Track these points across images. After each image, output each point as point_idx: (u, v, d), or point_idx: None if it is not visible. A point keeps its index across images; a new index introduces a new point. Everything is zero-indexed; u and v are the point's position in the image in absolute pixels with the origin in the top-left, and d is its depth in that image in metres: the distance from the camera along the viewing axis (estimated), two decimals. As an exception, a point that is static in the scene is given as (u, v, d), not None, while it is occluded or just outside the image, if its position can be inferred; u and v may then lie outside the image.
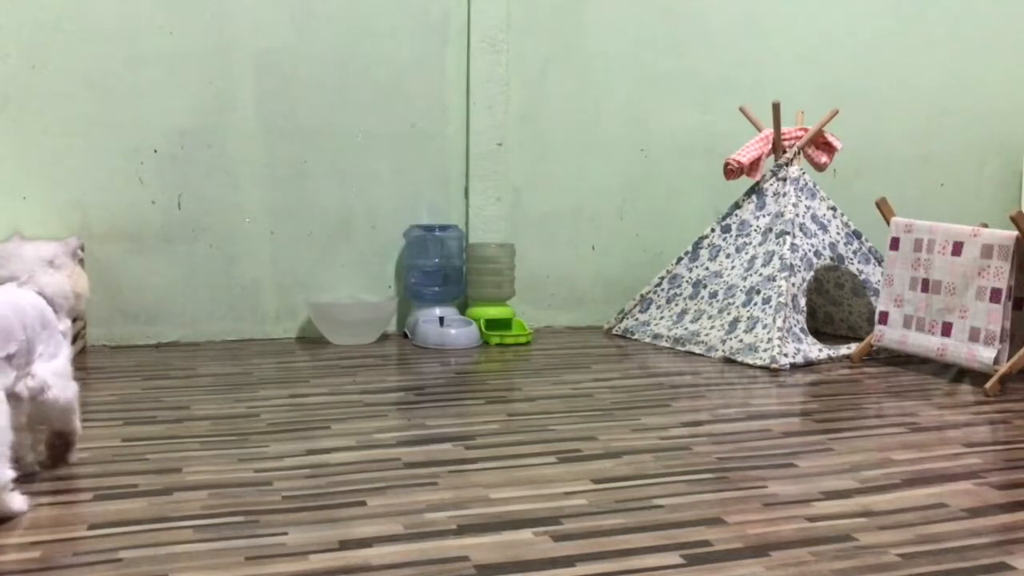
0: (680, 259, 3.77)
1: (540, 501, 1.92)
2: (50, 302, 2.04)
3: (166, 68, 3.48)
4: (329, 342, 3.62)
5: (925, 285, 3.13)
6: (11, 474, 1.78)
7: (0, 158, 3.36)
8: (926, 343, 3.13)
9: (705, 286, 3.63)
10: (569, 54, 3.94)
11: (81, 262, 2.21)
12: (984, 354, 2.93)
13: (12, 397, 1.85)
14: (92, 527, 1.75)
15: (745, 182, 3.67)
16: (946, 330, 3.06)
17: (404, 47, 3.74)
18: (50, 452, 2.09)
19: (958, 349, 3.01)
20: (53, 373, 1.97)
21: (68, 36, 3.38)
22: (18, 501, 1.82)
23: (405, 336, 3.77)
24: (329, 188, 3.71)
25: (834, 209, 3.65)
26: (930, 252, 3.12)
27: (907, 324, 3.20)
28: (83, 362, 3.21)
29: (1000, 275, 2.90)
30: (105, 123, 3.44)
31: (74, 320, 3.16)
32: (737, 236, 3.64)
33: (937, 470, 2.17)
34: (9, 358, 1.85)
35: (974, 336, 2.96)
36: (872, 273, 3.61)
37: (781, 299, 3.32)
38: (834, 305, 3.86)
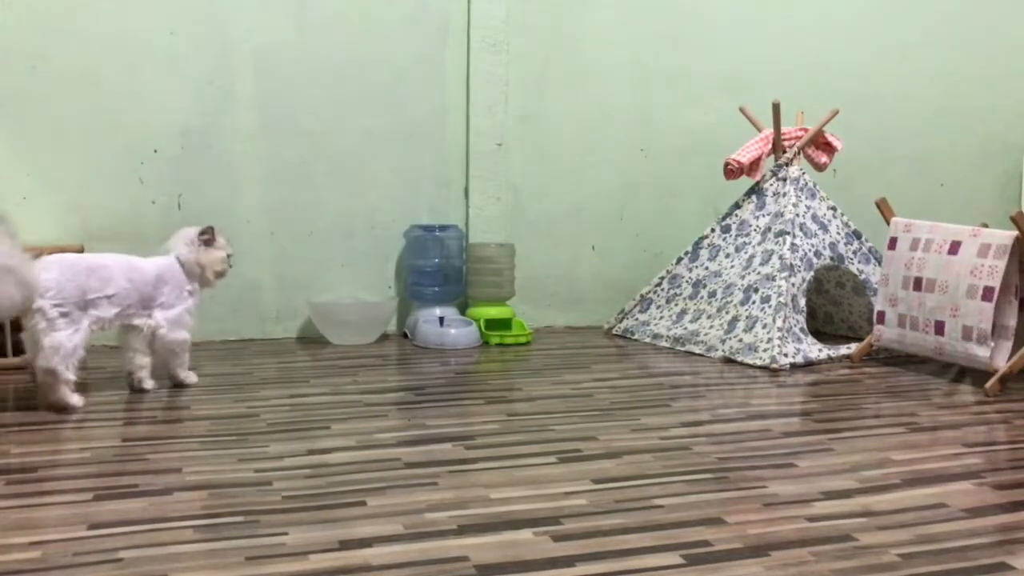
0: (680, 259, 3.77)
1: (540, 501, 1.92)
2: (183, 268, 2.84)
3: (166, 68, 3.48)
4: (329, 342, 3.62)
5: (918, 284, 3.12)
6: (73, 376, 2.57)
7: None
8: (922, 342, 3.13)
9: (705, 286, 3.63)
10: (569, 54, 3.94)
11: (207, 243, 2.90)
12: (979, 352, 2.93)
13: (131, 328, 2.76)
14: (92, 527, 1.75)
15: (745, 182, 3.68)
16: (939, 329, 3.06)
17: (404, 47, 3.74)
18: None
19: (954, 348, 3.01)
20: (165, 318, 2.78)
21: (68, 36, 3.38)
22: (75, 397, 2.59)
23: (405, 336, 3.77)
24: (329, 188, 3.71)
25: (834, 209, 3.65)
26: (926, 251, 3.11)
27: (902, 323, 3.20)
28: (83, 362, 3.21)
29: (994, 273, 2.89)
30: (105, 123, 3.44)
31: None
32: (737, 236, 3.64)
33: (937, 470, 2.17)
34: (109, 297, 2.65)
35: (967, 335, 2.96)
36: (872, 273, 3.61)
37: (781, 299, 3.33)
38: (834, 305, 3.86)
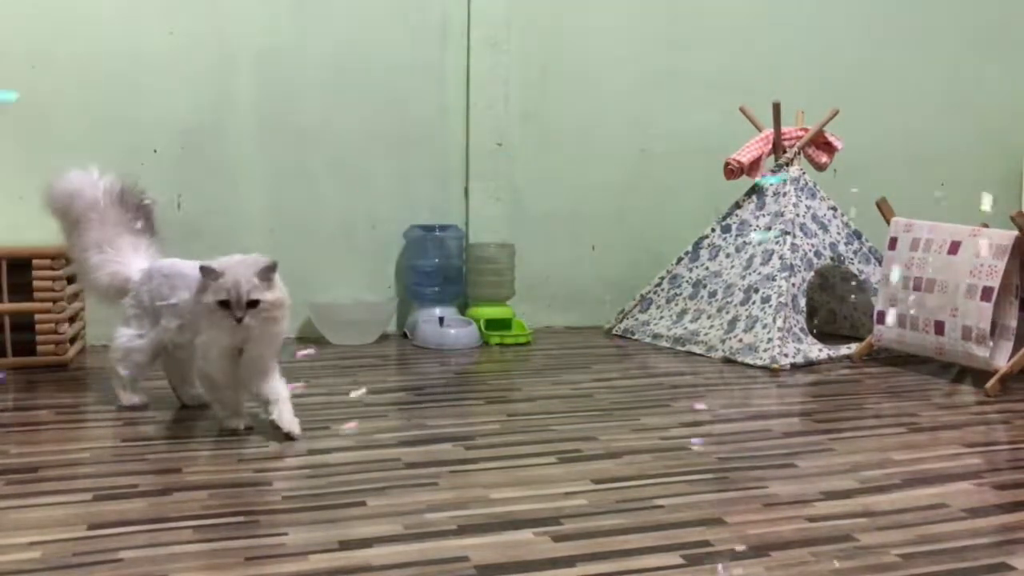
0: (680, 259, 3.77)
1: (540, 501, 1.92)
2: None
3: (166, 68, 3.48)
4: (329, 342, 3.62)
5: (918, 284, 3.12)
6: (124, 373, 2.54)
7: None
8: (922, 342, 3.13)
9: (705, 286, 3.63)
10: (569, 54, 3.94)
11: None
12: (979, 352, 2.93)
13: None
14: (92, 527, 1.75)
15: (745, 182, 3.67)
16: (939, 329, 3.05)
17: (404, 47, 3.73)
18: None
19: (954, 348, 3.01)
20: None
21: (68, 36, 3.38)
22: (126, 396, 2.57)
23: (405, 336, 3.76)
24: (329, 188, 3.71)
25: (834, 209, 3.65)
26: (926, 251, 3.12)
27: (902, 323, 3.20)
28: (83, 362, 3.21)
29: (993, 273, 2.89)
30: (105, 123, 3.44)
31: (72, 320, 3.15)
32: (737, 236, 3.64)
33: (937, 470, 2.17)
34: (173, 307, 2.46)
35: (966, 335, 2.96)
36: (872, 273, 3.61)
37: (781, 299, 3.32)
38: (839, 300, 3.85)
